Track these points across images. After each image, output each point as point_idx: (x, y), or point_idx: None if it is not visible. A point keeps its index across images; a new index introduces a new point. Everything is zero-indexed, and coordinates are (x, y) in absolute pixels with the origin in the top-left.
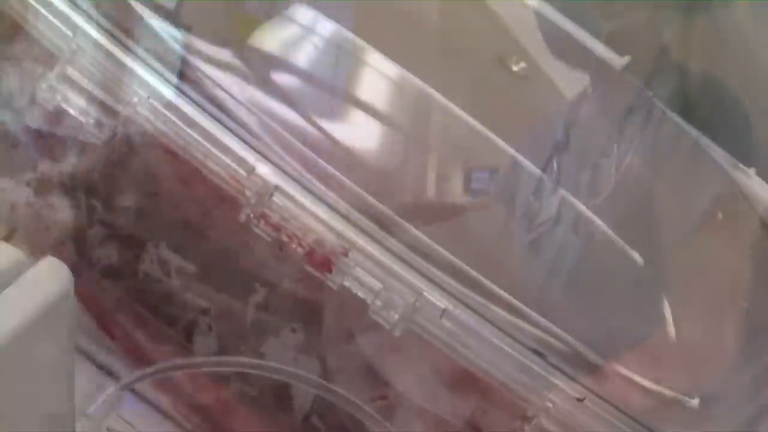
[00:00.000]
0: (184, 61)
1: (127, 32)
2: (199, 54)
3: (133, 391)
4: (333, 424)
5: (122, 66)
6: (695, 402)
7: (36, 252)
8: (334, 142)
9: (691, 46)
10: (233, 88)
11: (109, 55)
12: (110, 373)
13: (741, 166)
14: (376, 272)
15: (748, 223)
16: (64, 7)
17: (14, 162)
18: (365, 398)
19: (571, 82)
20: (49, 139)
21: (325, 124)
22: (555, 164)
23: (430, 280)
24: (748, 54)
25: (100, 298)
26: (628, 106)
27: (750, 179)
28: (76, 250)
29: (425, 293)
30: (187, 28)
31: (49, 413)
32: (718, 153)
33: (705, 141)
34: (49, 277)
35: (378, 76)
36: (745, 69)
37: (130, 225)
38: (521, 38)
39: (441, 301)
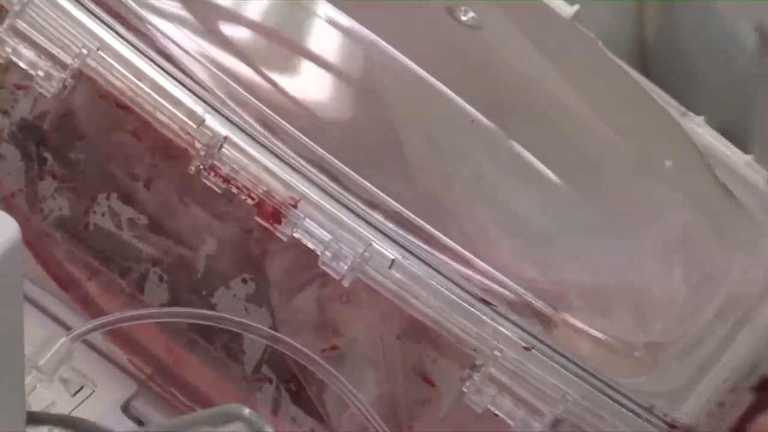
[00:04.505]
0: (134, 13)
1: None
2: (148, 5)
3: (85, 342)
4: (284, 373)
5: (72, 18)
6: (642, 349)
7: None
8: (284, 93)
9: None
10: (183, 40)
11: (58, 7)
12: (62, 324)
13: (690, 114)
14: (326, 223)
15: (697, 171)
16: None
17: None
18: (316, 348)
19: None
20: None
21: (275, 76)
22: (504, 115)
23: (380, 231)
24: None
25: (51, 250)
26: (577, 54)
27: (700, 128)
28: (27, 202)
29: (374, 244)
30: None
31: None
32: (668, 102)
33: (654, 89)
34: None
35: (328, 28)
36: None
37: (80, 177)
38: None
39: (390, 252)
